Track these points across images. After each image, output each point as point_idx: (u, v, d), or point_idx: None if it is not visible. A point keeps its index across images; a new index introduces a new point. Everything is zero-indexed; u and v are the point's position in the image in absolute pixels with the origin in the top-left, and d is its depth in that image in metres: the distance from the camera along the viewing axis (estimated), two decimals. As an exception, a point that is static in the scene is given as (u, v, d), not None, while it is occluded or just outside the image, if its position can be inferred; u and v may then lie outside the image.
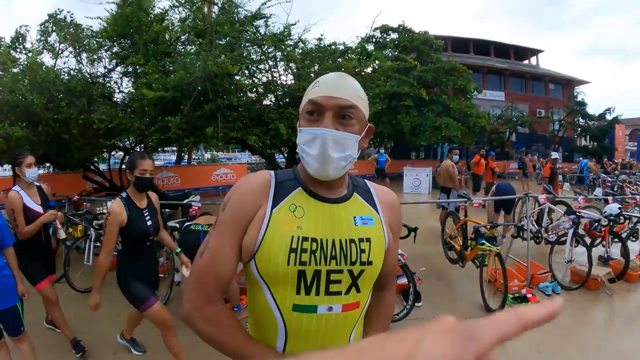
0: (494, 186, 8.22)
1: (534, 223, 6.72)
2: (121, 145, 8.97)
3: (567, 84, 34.25)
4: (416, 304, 4.60)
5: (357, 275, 1.19)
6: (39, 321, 4.36)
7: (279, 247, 1.13)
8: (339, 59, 7.58)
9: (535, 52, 36.33)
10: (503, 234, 7.30)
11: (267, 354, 1.14)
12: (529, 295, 4.94)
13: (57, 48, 7.82)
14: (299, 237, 1.14)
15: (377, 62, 8.91)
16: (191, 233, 4.41)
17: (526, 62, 35.94)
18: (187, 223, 4.87)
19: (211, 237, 1.20)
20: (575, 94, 30.27)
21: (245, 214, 1.18)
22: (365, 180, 1.42)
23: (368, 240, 1.21)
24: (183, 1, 7.34)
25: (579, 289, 5.30)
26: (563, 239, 6.18)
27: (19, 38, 8.25)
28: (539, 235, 6.47)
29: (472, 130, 18.70)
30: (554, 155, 11.67)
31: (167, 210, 8.87)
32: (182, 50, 7.15)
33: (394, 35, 19.94)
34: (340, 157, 1.15)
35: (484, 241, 4.74)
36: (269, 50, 7.35)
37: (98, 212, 8.33)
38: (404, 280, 4.81)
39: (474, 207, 6.03)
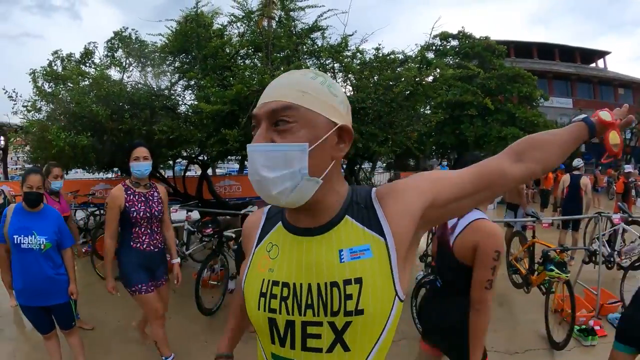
0: (564, 178, 7.81)
1: (606, 245, 6.23)
2: (185, 154, 9.27)
3: (638, 88, 32.10)
4: (475, 331, 4.36)
5: (341, 329, 0.93)
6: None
7: (252, 290, 1.03)
8: (399, 69, 7.42)
9: (601, 54, 34.42)
10: (572, 255, 6.87)
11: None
12: (597, 328, 4.50)
13: (124, 63, 8.23)
14: (269, 280, 1.00)
15: (438, 70, 8.69)
16: None
17: (592, 65, 33.97)
18: (243, 233, 4.94)
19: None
20: (647, 98, 28.34)
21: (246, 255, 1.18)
22: (373, 190, 1.06)
23: (358, 281, 0.92)
24: (241, 17, 7.47)
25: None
26: (637, 264, 5.71)
27: (88, 54, 8.76)
28: (612, 259, 6.00)
29: (541, 142, 17.75)
30: (627, 168, 10.97)
31: (227, 217, 9.10)
32: (242, 64, 7.26)
33: (454, 42, 19.46)
34: (278, 177, 0.90)
35: (552, 267, 4.42)
36: (327, 62, 7.32)
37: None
38: (462, 305, 4.60)
39: (543, 227, 5.67)
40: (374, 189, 1.06)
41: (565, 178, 7.93)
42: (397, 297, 0.97)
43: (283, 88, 0.94)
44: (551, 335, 4.34)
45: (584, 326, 4.51)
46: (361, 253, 0.95)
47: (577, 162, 8.13)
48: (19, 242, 3.14)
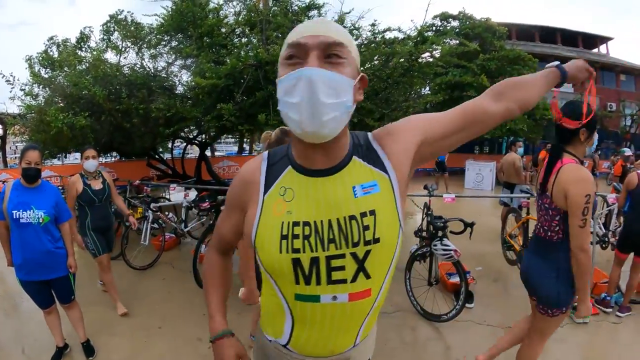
0: None
1: (601, 226, 6.22)
2: (183, 135, 9.27)
3: (640, 75, 31.65)
4: (467, 305, 4.42)
5: (362, 258, 1.04)
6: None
7: (271, 235, 1.06)
8: (396, 47, 7.34)
9: (604, 39, 33.78)
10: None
11: (215, 322, 1.36)
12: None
13: (120, 46, 8.21)
14: (289, 222, 1.05)
15: (434, 45, 8.52)
16: None
17: (595, 50, 33.58)
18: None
19: (221, 210, 1.34)
20: (649, 85, 28.08)
21: (237, 203, 1.20)
22: (368, 134, 1.18)
23: (372, 212, 1.04)
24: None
25: (644, 301, 4.74)
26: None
27: (83, 38, 8.72)
28: (606, 239, 5.99)
29: (539, 124, 17.57)
30: (627, 152, 10.96)
31: (225, 196, 9.16)
32: (238, 42, 7.23)
33: (455, 23, 19.18)
34: (334, 104, 0.94)
35: (545, 242, 4.40)
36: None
37: (161, 196, 8.76)
38: (456, 279, 4.63)
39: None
40: (368, 133, 1.18)
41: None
42: (400, 226, 1.09)
43: (331, 28, 1.00)
44: (543, 311, 4.33)
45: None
46: (370, 188, 1.06)
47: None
48: (17, 217, 3.17)
